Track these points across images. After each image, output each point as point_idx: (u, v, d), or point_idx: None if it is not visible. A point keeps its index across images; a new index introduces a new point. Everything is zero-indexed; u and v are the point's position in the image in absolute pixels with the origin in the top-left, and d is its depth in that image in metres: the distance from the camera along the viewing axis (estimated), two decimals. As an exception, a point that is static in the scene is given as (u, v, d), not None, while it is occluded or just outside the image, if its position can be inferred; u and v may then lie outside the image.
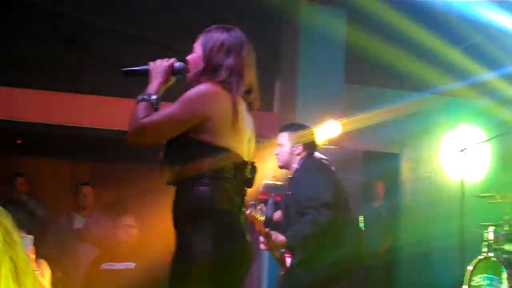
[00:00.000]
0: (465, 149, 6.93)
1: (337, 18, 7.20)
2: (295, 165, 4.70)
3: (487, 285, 6.16)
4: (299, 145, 4.69)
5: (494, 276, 6.10)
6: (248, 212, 3.61)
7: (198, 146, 2.69)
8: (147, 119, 2.64)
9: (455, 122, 8.40)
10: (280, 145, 4.77)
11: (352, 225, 4.79)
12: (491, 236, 6.52)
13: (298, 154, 4.69)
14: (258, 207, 3.96)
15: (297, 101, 7.10)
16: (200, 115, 2.68)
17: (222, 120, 2.69)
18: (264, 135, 7.64)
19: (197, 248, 2.63)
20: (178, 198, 2.77)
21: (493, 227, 6.53)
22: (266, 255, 7.22)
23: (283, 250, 4.49)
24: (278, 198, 5.19)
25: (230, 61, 2.78)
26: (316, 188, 4.46)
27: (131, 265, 5.74)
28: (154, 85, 2.77)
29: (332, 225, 4.33)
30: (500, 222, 6.49)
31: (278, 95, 7.86)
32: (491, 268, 6.16)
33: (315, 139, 4.91)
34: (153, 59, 2.90)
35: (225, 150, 2.71)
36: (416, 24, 6.83)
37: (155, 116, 2.67)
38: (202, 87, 2.71)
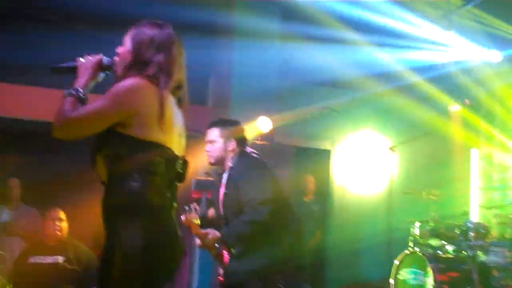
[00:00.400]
0: (393, 147, 7.10)
1: (272, 14, 7.27)
2: (229, 162, 4.58)
3: (413, 279, 6.34)
4: (233, 141, 4.58)
5: (419, 270, 6.28)
6: (183, 217, 3.60)
7: (127, 141, 2.66)
8: (73, 114, 2.62)
9: (385, 120, 8.56)
10: (211, 141, 4.62)
11: (293, 221, 4.65)
12: (417, 231, 6.74)
13: (231, 151, 4.57)
14: (192, 209, 3.94)
15: (231, 95, 7.12)
16: (127, 109, 2.66)
17: (150, 115, 2.67)
18: (197, 129, 7.63)
19: (127, 243, 2.62)
20: (108, 193, 2.73)
21: (419, 223, 6.76)
22: (197, 250, 7.24)
23: (218, 246, 4.43)
24: (210, 195, 5.15)
25: (159, 57, 2.77)
26: (256, 187, 4.36)
27: (60, 258, 5.64)
28: (81, 81, 2.76)
29: (272, 222, 4.32)
30: (426, 218, 6.71)
31: (212, 89, 7.85)
32: (417, 262, 6.34)
33: (246, 135, 4.82)
34: (83, 49, 2.88)
35: (155, 144, 2.69)
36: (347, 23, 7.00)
37: (82, 110, 2.64)
38: (129, 81, 2.69)
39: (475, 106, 8.85)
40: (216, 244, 4.36)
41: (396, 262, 6.50)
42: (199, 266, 7.29)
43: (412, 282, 6.34)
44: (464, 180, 8.38)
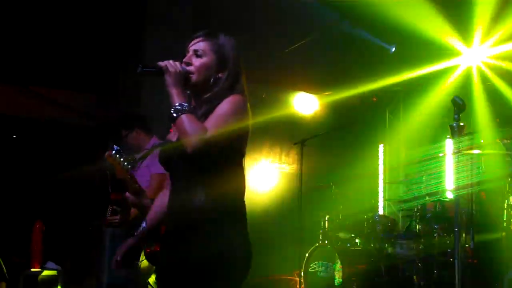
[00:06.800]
0: (304, 140, 7.19)
1: (184, 9, 7.09)
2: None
3: (322, 271, 6.52)
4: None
5: (328, 263, 6.49)
6: (108, 153, 3.17)
7: (236, 153, 2.78)
8: (209, 133, 2.58)
9: (295, 114, 8.55)
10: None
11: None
12: (326, 225, 6.95)
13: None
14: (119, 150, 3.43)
15: (142, 87, 6.79)
16: (247, 124, 2.76)
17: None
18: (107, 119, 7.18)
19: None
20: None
21: (328, 217, 6.97)
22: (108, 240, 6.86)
23: None
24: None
25: (239, 72, 2.85)
26: None
27: None
28: (179, 93, 2.67)
29: None
30: (335, 212, 6.94)
31: (122, 80, 7.45)
32: (326, 255, 6.48)
33: None
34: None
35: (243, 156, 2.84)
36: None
37: (214, 127, 2.61)
38: (241, 97, 2.75)
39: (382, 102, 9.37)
40: None
41: (306, 255, 6.63)
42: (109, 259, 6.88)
43: (322, 274, 6.49)
44: (372, 174, 8.79)
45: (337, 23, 7.67)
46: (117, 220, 4.60)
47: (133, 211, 4.35)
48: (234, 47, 2.83)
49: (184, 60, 2.76)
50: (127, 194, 3.31)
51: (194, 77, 2.74)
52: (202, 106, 2.73)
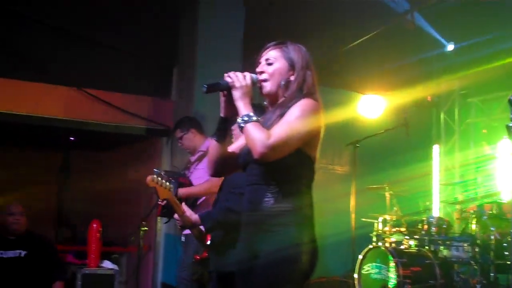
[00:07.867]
0: (355, 142, 7.18)
1: (236, 7, 7.15)
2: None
3: (376, 273, 6.47)
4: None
5: (382, 265, 6.42)
6: (149, 178, 3.29)
7: (305, 159, 2.85)
8: (273, 139, 2.68)
9: (349, 115, 8.47)
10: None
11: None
12: (380, 226, 6.90)
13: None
14: (163, 175, 3.58)
15: (195, 89, 6.85)
16: (317, 129, 2.84)
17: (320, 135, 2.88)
18: (161, 122, 7.28)
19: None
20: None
21: (382, 218, 6.94)
22: (162, 244, 6.97)
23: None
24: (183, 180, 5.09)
25: (312, 78, 2.97)
26: (239, 176, 4.32)
27: (22, 253, 5.56)
28: (247, 103, 2.81)
29: None
30: (389, 213, 6.89)
31: (175, 83, 7.55)
32: (380, 257, 6.45)
33: None
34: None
35: (314, 162, 2.90)
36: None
37: (280, 133, 2.71)
38: (312, 102, 2.83)
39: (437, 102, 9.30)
40: (190, 225, 4.11)
41: (360, 257, 6.60)
42: (164, 259, 7.03)
43: (376, 276, 6.46)
44: (426, 175, 8.72)
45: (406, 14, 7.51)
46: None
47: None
48: (302, 51, 2.96)
49: (257, 70, 2.91)
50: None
51: (268, 84, 2.89)
52: (276, 111, 2.84)
